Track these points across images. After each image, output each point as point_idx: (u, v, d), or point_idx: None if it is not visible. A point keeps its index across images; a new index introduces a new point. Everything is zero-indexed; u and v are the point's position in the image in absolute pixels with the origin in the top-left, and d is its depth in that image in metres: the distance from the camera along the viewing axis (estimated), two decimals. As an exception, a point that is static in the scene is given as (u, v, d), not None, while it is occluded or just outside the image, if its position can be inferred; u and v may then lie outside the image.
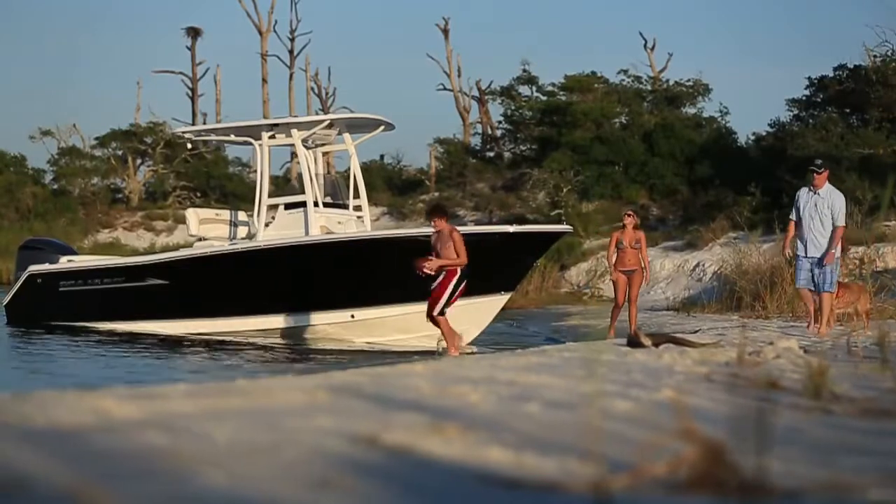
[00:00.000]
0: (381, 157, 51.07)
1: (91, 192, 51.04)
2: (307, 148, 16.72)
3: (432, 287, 13.70)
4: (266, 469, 2.76)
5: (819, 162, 13.99)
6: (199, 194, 51.05)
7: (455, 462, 3.05)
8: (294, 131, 16.55)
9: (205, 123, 54.54)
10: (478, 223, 41.42)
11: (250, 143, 17.08)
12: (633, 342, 8.61)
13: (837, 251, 13.82)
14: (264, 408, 3.67)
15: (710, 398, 4.79)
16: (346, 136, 17.15)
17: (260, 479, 2.68)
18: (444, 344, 13.91)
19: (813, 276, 13.76)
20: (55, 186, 51.77)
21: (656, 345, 8.63)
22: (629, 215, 16.00)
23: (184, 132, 17.85)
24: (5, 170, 49.96)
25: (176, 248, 41.15)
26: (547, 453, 3.18)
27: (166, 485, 2.54)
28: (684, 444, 2.86)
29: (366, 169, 35.41)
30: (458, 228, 21.47)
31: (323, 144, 17.40)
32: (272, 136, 16.82)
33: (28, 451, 2.75)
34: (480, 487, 2.79)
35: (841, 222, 13.74)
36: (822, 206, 13.77)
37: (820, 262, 13.68)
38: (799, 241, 13.94)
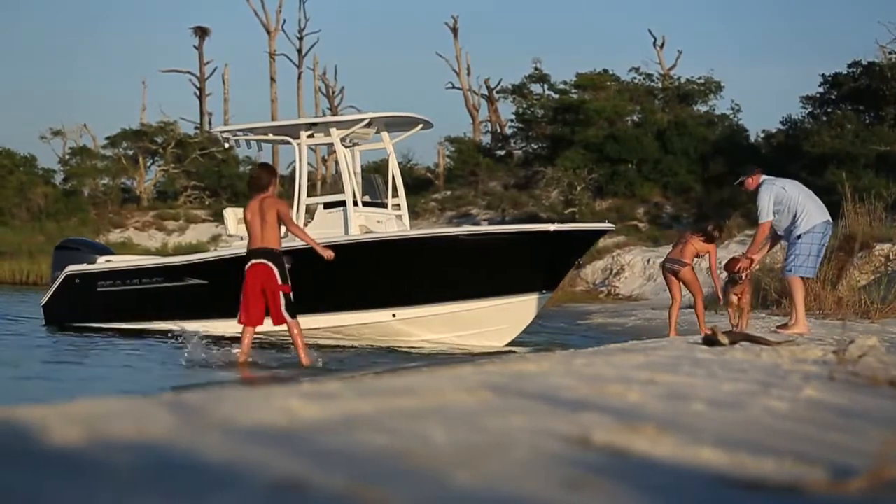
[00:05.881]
0: (391, 155, 51.13)
1: (102, 191, 50.97)
2: (345, 146, 16.68)
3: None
4: (508, 470, 2.73)
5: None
6: (209, 194, 50.98)
7: (675, 462, 3.02)
8: (333, 130, 16.50)
9: (210, 123, 54.47)
10: (490, 222, 41.36)
11: (288, 142, 17.04)
12: (711, 341, 8.57)
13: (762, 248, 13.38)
14: (444, 407, 3.64)
15: (849, 398, 4.78)
16: (385, 134, 17.09)
17: (509, 478, 2.65)
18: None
19: None
20: (66, 186, 51.69)
21: (733, 343, 8.59)
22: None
23: (221, 131, 17.77)
24: (16, 170, 49.88)
25: (189, 248, 41.07)
26: (756, 453, 3.16)
27: (428, 485, 2.52)
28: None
29: (376, 168, 35.36)
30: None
31: (360, 143, 17.35)
32: (311, 135, 16.79)
33: (266, 451, 2.72)
34: (722, 489, 2.77)
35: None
36: None
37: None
38: None
